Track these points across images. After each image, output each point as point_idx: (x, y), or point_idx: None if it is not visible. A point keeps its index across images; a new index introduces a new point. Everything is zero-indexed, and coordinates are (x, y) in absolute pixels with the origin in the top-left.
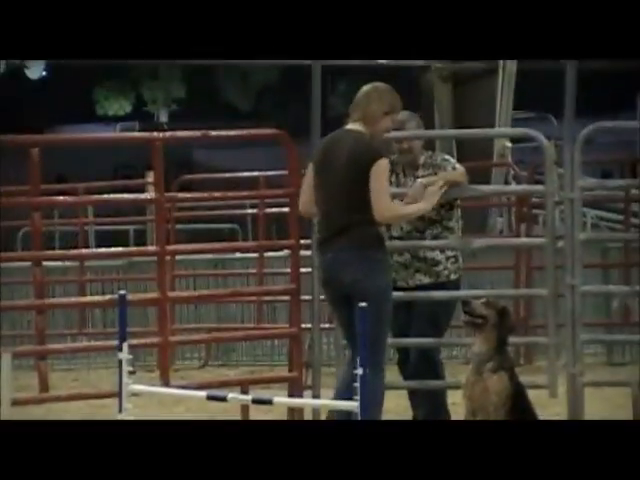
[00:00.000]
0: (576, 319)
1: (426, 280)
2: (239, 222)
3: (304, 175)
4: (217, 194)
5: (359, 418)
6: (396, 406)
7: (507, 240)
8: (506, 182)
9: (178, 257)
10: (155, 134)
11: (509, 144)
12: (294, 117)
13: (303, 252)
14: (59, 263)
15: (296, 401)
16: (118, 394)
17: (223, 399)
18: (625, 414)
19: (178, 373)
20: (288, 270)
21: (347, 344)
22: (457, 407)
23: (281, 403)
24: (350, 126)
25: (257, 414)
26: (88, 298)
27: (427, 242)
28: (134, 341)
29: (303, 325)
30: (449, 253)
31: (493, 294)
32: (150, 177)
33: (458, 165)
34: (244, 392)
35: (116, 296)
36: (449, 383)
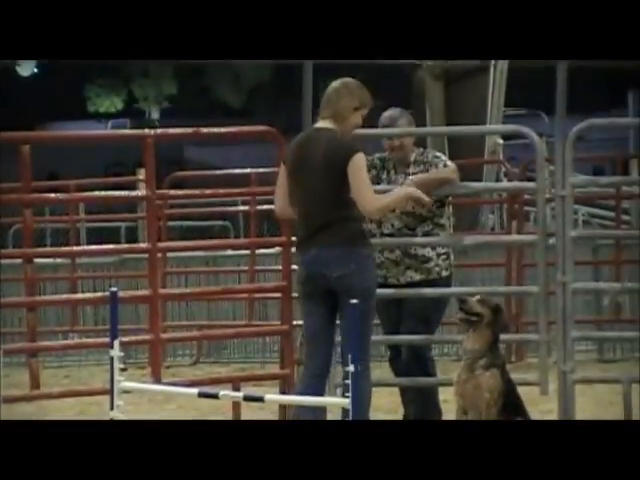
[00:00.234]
0: (567, 316)
1: (417, 277)
2: (230, 219)
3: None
4: (208, 191)
5: (350, 415)
6: (387, 403)
7: (498, 237)
8: (497, 179)
9: (169, 254)
10: (146, 131)
11: (500, 141)
12: (285, 114)
13: (294, 249)
14: (50, 260)
15: (288, 398)
16: (109, 391)
17: (215, 396)
18: (616, 411)
19: (169, 370)
20: (279, 267)
21: (309, 344)
22: (449, 404)
23: (273, 400)
24: (320, 124)
25: (249, 411)
26: (79, 295)
27: (418, 239)
28: (125, 338)
29: (295, 322)
30: (440, 250)
31: (484, 291)
32: (141, 174)
33: (449, 162)
34: (236, 389)
35: (107, 293)
36: (440, 380)
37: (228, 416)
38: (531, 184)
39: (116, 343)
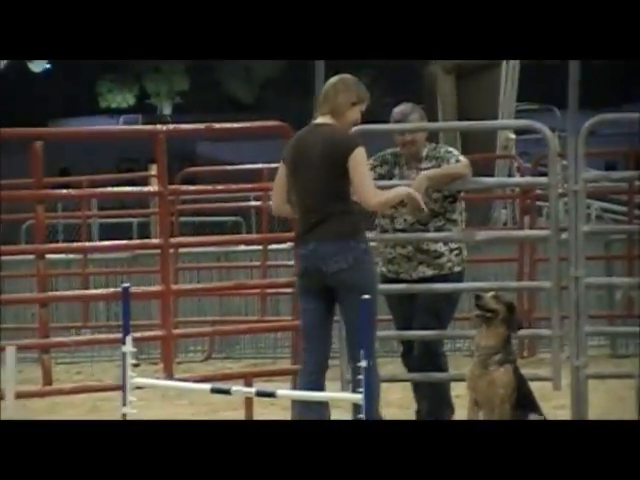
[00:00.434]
0: (580, 311)
1: (429, 272)
2: (242, 215)
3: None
4: (220, 187)
5: (364, 411)
6: (400, 398)
7: (511, 232)
8: (510, 174)
9: (181, 250)
10: (158, 127)
11: (513, 136)
12: (297, 109)
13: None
14: (63, 256)
15: (299, 394)
16: (122, 387)
17: (227, 392)
18: (629, 406)
19: (181, 366)
20: (291, 263)
21: (307, 340)
22: (461, 399)
23: (284, 396)
24: (319, 120)
25: (260, 407)
26: (92, 291)
27: (430, 234)
28: (138, 334)
29: None
30: (452, 245)
31: (497, 287)
32: (153, 170)
33: (462, 157)
34: (248, 385)
35: (120, 289)
36: (453, 376)
37: (240, 412)
38: (543, 179)
39: (128, 339)
